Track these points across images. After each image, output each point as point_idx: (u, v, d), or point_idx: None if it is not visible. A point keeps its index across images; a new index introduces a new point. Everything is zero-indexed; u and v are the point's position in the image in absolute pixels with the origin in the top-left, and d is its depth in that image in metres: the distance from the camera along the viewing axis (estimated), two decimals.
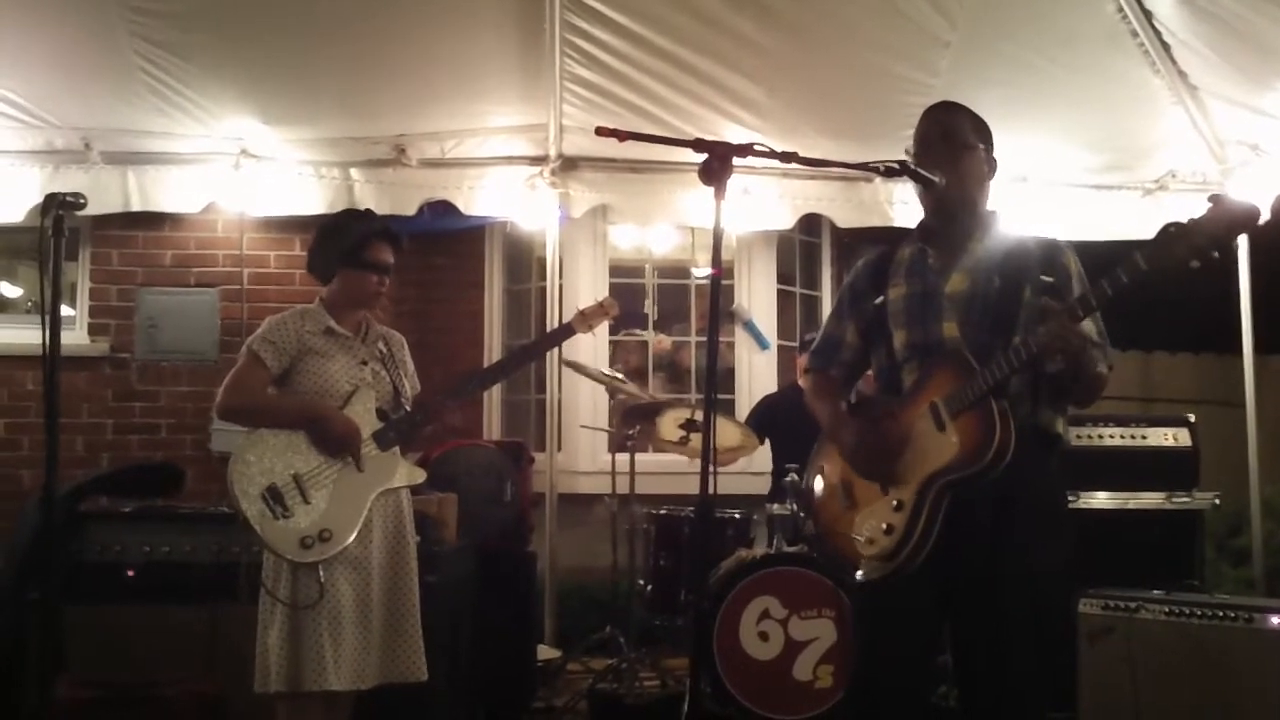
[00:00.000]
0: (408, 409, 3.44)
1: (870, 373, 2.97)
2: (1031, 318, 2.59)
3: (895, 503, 2.64)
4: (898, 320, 2.78)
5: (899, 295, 2.80)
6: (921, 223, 2.88)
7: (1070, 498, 4.09)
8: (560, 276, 6.17)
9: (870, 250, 3.00)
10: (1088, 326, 2.50)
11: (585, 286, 6.73)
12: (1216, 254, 2.18)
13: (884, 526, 2.64)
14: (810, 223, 6.86)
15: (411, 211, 5.61)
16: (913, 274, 2.80)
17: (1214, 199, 2.20)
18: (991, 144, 2.83)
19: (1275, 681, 3.32)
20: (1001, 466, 2.49)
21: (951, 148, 2.75)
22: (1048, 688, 2.78)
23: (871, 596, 2.73)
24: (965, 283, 2.70)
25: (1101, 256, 2.82)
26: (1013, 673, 2.58)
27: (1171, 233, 2.22)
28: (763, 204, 5.85)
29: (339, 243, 3.45)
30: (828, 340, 3.02)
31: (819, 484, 2.91)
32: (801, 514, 4.65)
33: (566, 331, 3.74)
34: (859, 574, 2.68)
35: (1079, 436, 4.48)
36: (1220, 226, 2.18)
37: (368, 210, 4.72)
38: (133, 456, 6.06)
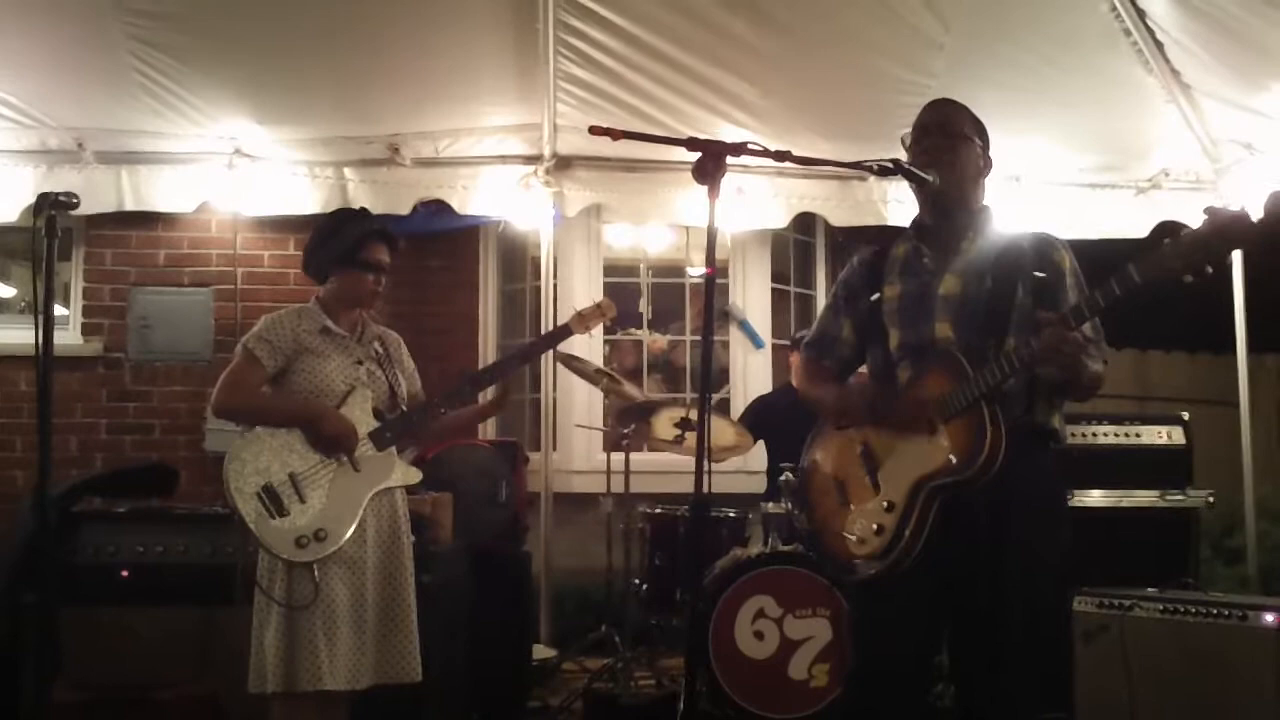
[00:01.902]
0: (404, 409, 3.44)
1: (863, 370, 2.97)
2: (1024, 318, 2.60)
3: (886, 504, 2.65)
4: (892, 319, 2.79)
5: (893, 294, 2.80)
6: (916, 220, 2.89)
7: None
8: (555, 276, 6.17)
9: (865, 249, 3.00)
10: (1085, 325, 2.50)
11: (580, 286, 6.73)
12: (1210, 269, 2.18)
13: (875, 527, 2.66)
14: (805, 222, 6.86)
15: (406, 211, 5.61)
16: (907, 273, 2.81)
17: (1209, 212, 2.20)
18: (988, 142, 2.84)
19: (1269, 679, 3.31)
20: (991, 473, 2.50)
21: (947, 137, 2.76)
22: (1044, 687, 2.78)
23: (868, 595, 2.74)
24: (958, 283, 2.71)
25: (1096, 254, 2.83)
26: (1010, 672, 2.58)
27: (1166, 245, 2.22)
28: (757, 203, 5.85)
29: (335, 243, 3.44)
30: (823, 334, 3.02)
31: (813, 479, 2.91)
32: (795, 511, 4.65)
33: (564, 333, 3.73)
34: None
35: (1073, 435, 4.49)
36: (1215, 241, 2.17)
37: (363, 210, 4.71)
38: (126, 457, 6.05)
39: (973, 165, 2.79)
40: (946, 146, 2.74)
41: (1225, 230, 2.16)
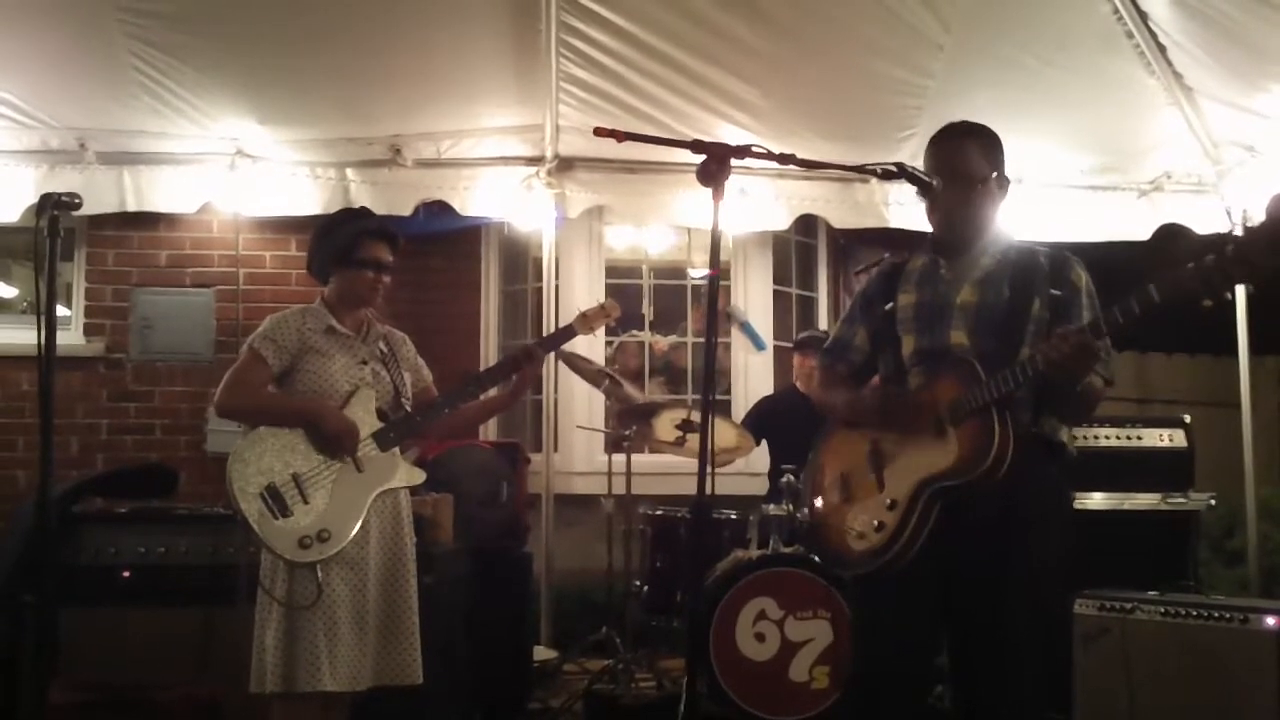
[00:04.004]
0: (408, 409, 3.44)
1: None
2: (1039, 331, 2.61)
3: (889, 501, 2.67)
4: (906, 326, 2.81)
5: (909, 302, 2.83)
6: (934, 234, 2.89)
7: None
8: (556, 277, 6.17)
9: (875, 254, 3.02)
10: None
11: (581, 287, 6.73)
12: (1229, 295, 2.18)
13: (876, 523, 2.69)
14: (806, 224, 6.86)
15: (407, 212, 5.61)
16: (924, 283, 2.83)
17: (1238, 241, 2.19)
18: (1002, 163, 2.83)
19: (1269, 682, 3.32)
20: (997, 476, 2.51)
21: (961, 185, 2.74)
22: (1045, 689, 2.79)
23: (870, 597, 2.76)
24: (976, 294, 2.73)
25: (1098, 257, 2.83)
26: (1012, 676, 2.59)
27: (1190, 269, 2.21)
28: (759, 205, 5.85)
29: (333, 242, 3.45)
30: (838, 341, 3.06)
31: (820, 474, 2.93)
32: (798, 510, 4.65)
33: (567, 334, 3.73)
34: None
35: (1075, 437, 4.48)
36: (1238, 268, 2.16)
37: (362, 209, 4.71)
38: (127, 457, 6.05)
39: (988, 201, 2.78)
40: (960, 195, 2.73)
41: (1245, 257, 2.16)
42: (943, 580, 2.62)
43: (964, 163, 2.76)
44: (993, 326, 2.68)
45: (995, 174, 2.80)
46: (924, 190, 2.74)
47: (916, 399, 2.70)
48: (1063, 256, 2.76)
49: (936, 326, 2.74)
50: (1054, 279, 2.70)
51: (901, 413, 2.71)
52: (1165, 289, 2.26)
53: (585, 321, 3.73)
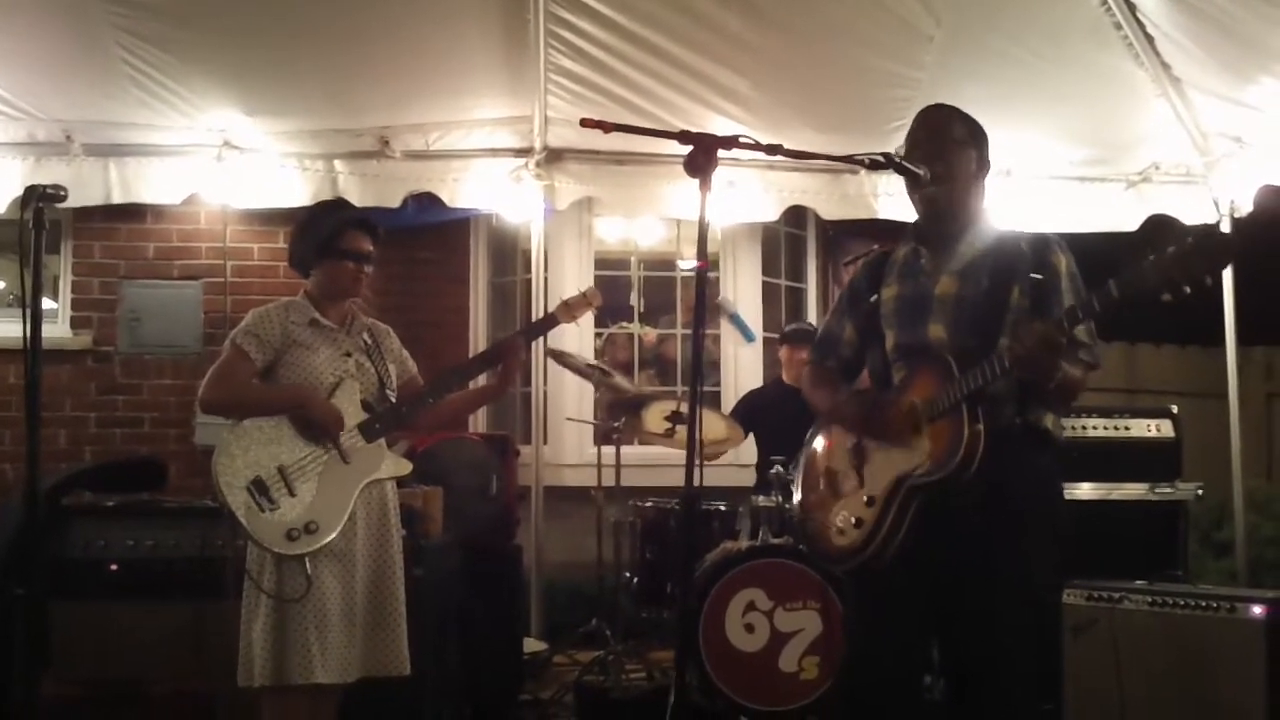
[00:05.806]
0: (393, 400, 3.43)
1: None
2: (1019, 320, 2.60)
3: (867, 498, 2.70)
4: (889, 321, 2.81)
5: (891, 295, 2.83)
6: (915, 223, 2.89)
7: None
8: (545, 269, 6.16)
9: (864, 245, 3.02)
10: (1078, 329, 2.51)
11: (571, 279, 6.73)
12: (1188, 289, 2.18)
13: (854, 520, 2.71)
14: (796, 215, 6.86)
15: (396, 204, 5.59)
16: (905, 275, 2.83)
17: (1196, 234, 2.20)
18: (984, 145, 2.83)
19: (1257, 671, 3.33)
20: (969, 472, 2.52)
21: (937, 144, 2.76)
22: (1038, 682, 2.80)
23: (861, 588, 2.78)
24: (954, 284, 2.72)
25: (1087, 248, 2.83)
26: (1004, 669, 2.60)
27: (1147, 263, 2.23)
28: (748, 196, 5.85)
29: (314, 235, 3.44)
30: (826, 336, 3.06)
31: (808, 469, 2.94)
32: (786, 501, 4.66)
33: (550, 322, 3.72)
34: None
35: (1063, 427, 4.50)
36: (1193, 263, 2.17)
37: (340, 200, 4.69)
38: (116, 450, 6.02)
39: (964, 167, 2.78)
40: (935, 152, 2.74)
41: (1204, 252, 2.16)
42: (932, 575, 2.63)
43: (942, 124, 2.77)
44: (971, 319, 2.67)
45: (976, 148, 2.79)
46: (911, 180, 2.74)
47: (894, 403, 2.70)
48: (1043, 240, 2.76)
49: (916, 320, 2.75)
50: (1035, 263, 2.69)
51: (880, 418, 2.72)
52: (1123, 285, 2.28)
53: (568, 310, 3.71)
